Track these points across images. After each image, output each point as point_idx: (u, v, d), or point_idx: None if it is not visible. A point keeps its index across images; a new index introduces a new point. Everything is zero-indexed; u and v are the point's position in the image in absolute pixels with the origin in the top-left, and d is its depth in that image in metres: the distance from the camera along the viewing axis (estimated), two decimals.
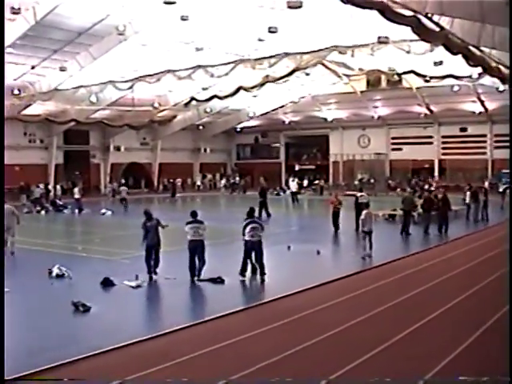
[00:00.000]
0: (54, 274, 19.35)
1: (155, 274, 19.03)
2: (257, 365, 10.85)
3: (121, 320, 14.49)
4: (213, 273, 18.59)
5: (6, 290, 16.91)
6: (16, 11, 33.39)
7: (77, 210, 43.99)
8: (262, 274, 18.90)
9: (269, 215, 37.27)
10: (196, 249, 18.89)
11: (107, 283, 17.99)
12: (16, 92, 47.97)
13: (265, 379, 10.27)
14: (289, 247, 24.75)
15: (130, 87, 45.38)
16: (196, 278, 18.49)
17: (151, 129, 69.87)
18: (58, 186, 53.94)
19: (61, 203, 47.32)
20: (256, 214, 21.88)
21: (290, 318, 14.10)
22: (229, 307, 15.05)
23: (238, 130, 78.35)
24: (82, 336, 13.34)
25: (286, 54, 38.15)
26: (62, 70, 44.55)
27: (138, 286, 17.74)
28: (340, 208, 30.80)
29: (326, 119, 71.28)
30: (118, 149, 68.24)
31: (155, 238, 19.23)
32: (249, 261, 19.24)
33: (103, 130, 66.75)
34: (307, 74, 47.15)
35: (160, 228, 19.61)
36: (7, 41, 38.34)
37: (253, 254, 19.15)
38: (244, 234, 19.06)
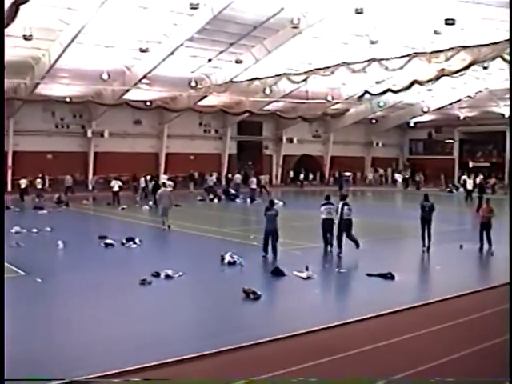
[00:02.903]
0: (226, 260, 19.98)
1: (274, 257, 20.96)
2: (419, 366, 10.67)
3: (290, 310, 14.65)
4: (383, 268, 18.43)
5: (180, 273, 17.64)
6: (194, 6, 34.52)
7: (249, 200, 45.05)
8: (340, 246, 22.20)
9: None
10: (328, 226, 22.56)
11: (277, 273, 18.33)
12: (193, 84, 49.57)
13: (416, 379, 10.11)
14: (461, 246, 24.08)
15: (304, 80, 45.64)
16: (366, 273, 18.46)
17: (324, 121, 70.33)
18: (238, 175, 54.84)
19: (233, 192, 48.57)
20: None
21: (455, 320, 13.69)
22: (396, 304, 14.87)
23: (412, 124, 77.05)
24: (251, 323, 13.67)
25: (463, 47, 36.99)
26: (238, 62, 45.66)
27: (308, 278, 17.87)
28: (491, 218, 24.35)
29: (503, 115, 68.32)
30: (290, 140, 69.05)
31: (272, 225, 21.51)
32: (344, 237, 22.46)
33: (276, 122, 67.91)
34: (484, 68, 45.66)
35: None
36: (187, 35, 39.87)
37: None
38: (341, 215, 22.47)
